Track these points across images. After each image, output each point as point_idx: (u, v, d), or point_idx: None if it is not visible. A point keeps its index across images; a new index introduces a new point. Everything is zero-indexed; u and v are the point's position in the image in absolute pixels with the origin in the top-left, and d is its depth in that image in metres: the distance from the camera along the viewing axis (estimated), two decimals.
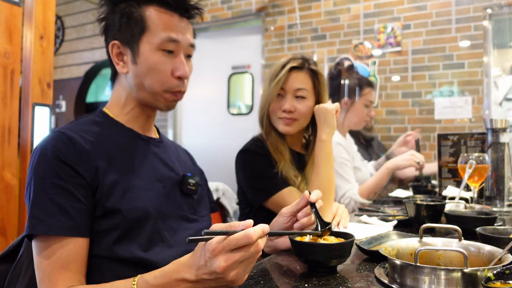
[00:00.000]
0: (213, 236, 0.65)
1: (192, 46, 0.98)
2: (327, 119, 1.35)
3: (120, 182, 0.87)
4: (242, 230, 0.64)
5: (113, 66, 0.98)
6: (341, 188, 2.03)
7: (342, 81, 2.29)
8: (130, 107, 0.98)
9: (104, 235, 0.83)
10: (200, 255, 0.66)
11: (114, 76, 1.01)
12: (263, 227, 0.65)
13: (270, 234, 0.69)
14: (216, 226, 0.67)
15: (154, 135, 1.06)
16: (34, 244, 0.80)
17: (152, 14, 0.92)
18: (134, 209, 0.86)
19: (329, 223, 0.89)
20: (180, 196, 1.00)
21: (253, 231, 0.63)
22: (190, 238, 0.64)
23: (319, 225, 0.89)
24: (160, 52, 0.93)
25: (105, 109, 0.99)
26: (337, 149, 2.07)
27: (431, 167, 2.51)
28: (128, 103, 0.98)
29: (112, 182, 0.85)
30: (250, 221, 0.66)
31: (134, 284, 0.71)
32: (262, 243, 0.65)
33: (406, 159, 2.06)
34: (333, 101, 1.42)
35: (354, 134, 2.79)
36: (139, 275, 0.73)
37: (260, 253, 0.66)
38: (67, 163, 0.81)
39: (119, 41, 0.94)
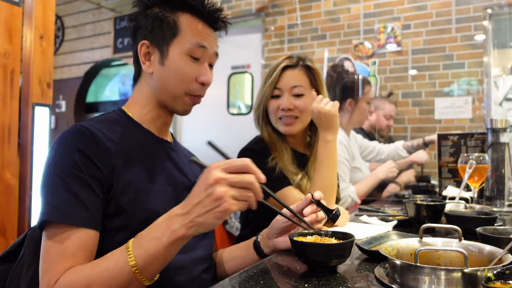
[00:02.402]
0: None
1: (216, 54, 1.03)
2: (333, 123, 1.33)
3: (134, 182, 0.88)
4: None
5: (138, 65, 1.01)
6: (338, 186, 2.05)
7: (344, 83, 2.30)
8: (149, 107, 1.00)
9: (113, 234, 0.84)
10: (194, 188, 0.72)
11: (137, 76, 1.03)
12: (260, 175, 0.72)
13: (264, 192, 0.74)
14: None
15: (169, 139, 1.08)
16: (45, 231, 0.79)
17: (185, 20, 0.96)
18: (145, 211, 0.86)
19: (333, 209, 0.95)
20: None
21: (252, 163, 0.71)
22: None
23: (326, 216, 0.96)
24: (187, 57, 0.96)
25: (124, 108, 1.01)
26: (339, 147, 2.09)
27: (407, 175, 2.60)
28: (148, 102, 1.00)
29: (127, 182, 0.86)
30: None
31: (128, 247, 0.75)
32: (257, 184, 0.71)
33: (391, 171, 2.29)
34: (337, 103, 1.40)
35: (370, 136, 2.88)
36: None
37: (254, 198, 0.71)
38: (88, 155, 0.82)
39: (149, 42, 0.97)
